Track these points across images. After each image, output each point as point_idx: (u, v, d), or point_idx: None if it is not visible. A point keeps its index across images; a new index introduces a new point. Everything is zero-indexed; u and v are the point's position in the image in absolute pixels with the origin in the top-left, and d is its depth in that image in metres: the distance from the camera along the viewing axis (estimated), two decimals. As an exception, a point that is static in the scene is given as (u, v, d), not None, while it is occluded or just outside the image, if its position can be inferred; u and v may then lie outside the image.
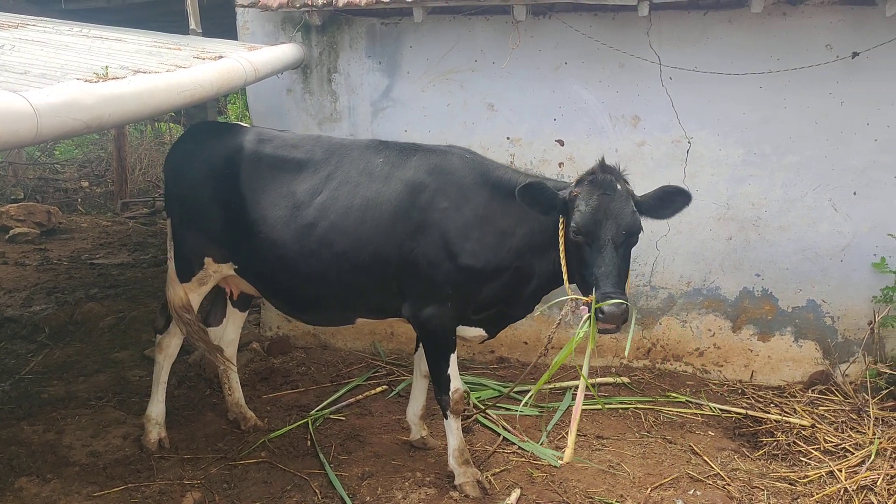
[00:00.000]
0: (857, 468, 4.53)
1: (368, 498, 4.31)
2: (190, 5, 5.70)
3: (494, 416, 5.27)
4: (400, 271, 4.11)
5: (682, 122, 5.68)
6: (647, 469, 4.63)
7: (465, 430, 5.07)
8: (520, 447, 4.90)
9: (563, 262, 3.80)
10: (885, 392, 5.42)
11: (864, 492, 4.31)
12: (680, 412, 5.40)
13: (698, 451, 4.81)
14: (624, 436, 5.08)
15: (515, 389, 5.41)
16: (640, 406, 5.48)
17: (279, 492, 4.36)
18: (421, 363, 4.71)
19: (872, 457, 4.60)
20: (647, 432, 5.13)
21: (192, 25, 5.78)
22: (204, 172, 4.43)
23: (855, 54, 5.31)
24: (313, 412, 5.31)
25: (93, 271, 8.81)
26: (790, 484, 4.45)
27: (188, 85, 3.96)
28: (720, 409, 5.39)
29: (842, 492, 4.31)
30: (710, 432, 5.12)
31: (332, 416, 5.32)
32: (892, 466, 4.48)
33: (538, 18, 5.68)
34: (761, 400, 5.59)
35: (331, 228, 4.11)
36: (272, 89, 6.22)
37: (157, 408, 4.89)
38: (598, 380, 5.88)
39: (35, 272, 8.74)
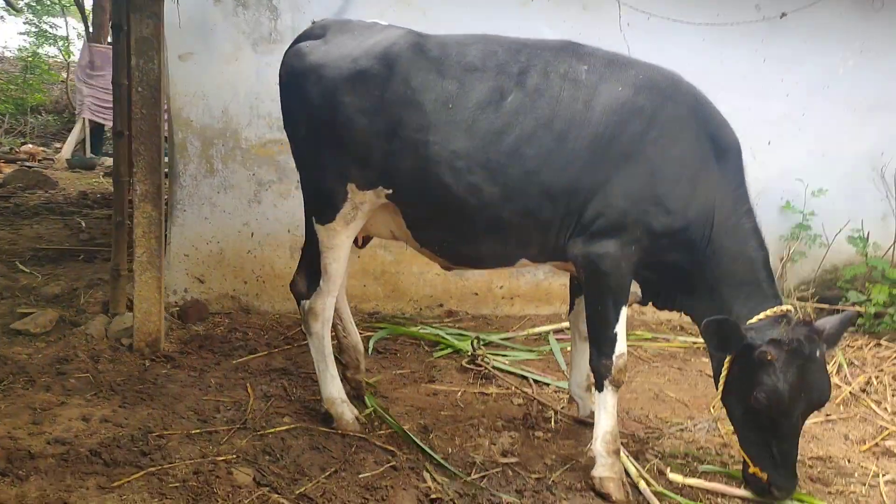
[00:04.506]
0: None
1: (450, 448, 3.74)
2: None
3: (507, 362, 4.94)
4: (588, 202, 3.36)
5: (635, 68, 5.84)
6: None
7: (486, 378, 4.68)
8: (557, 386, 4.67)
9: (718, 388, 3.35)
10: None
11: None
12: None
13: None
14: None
15: (484, 340, 5.30)
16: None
17: (344, 455, 3.57)
18: (579, 323, 3.98)
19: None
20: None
21: None
22: (343, 76, 3.46)
23: (783, 15, 5.93)
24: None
25: None
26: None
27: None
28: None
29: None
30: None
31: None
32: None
33: (509, -51, 5.44)
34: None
35: (525, 140, 3.31)
36: (194, -3, 5.12)
37: (334, 385, 3.94)
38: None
39: None
